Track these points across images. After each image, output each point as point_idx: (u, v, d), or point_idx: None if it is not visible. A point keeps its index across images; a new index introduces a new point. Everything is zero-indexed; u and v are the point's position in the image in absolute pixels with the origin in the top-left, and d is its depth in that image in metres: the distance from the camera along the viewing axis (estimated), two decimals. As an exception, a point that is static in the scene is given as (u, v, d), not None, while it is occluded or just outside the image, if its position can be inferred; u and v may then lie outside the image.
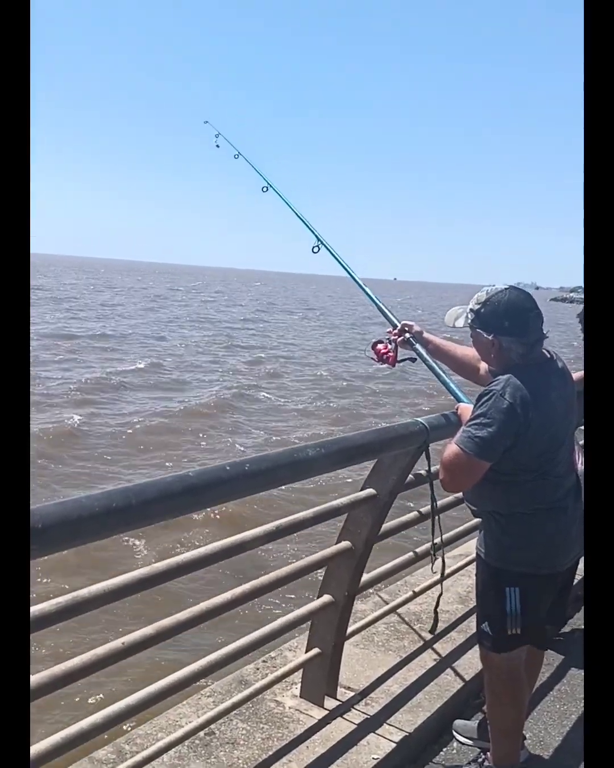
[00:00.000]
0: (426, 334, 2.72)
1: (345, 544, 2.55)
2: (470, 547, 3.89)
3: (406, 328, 2.72)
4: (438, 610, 2.83)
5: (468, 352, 2.60)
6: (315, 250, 3.26)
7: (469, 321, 2.26)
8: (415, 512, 2.93)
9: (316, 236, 3.30)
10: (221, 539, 2.00)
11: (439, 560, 2.65)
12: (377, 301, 2.94)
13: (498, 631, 2.27)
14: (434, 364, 2.61)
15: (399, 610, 3.47)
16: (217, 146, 4.33)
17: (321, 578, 2.71)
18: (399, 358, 2.75)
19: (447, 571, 3.09)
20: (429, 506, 2.72)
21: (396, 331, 2.74)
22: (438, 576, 3.25)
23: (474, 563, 3.64)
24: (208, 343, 26.84)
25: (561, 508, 2.19)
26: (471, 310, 2.24)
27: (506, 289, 2.20)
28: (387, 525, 2.68)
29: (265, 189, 3.79)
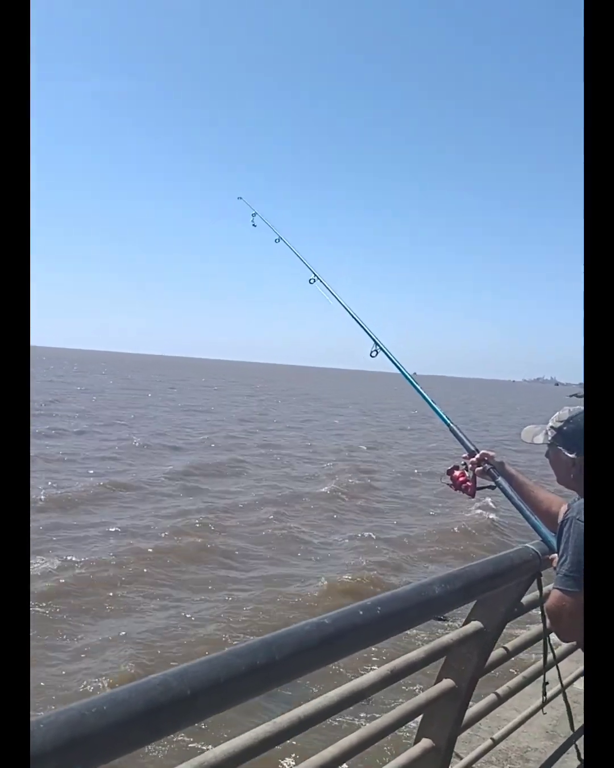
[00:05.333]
0: (507, 467, 2.56)
1: (447, 682, 2.34)
2: (566, 668, 3.63)
3: (486, 459, 2.56)
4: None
5: (550, 497, 2.47)
6: (374, 354, 3.11)
7: (549, 438, 2.21)
8: (520, 638, 2.72)
9: (374, 339, 3.13)
10: (335, 687, 1.82)
11: (549, 695, 2.45)
12: (451, 424, 2.78)
13: None
14: (522, 504, 2.40)
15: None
16: (254, 225, 4.10)
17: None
18: (478, 486, 2.60)
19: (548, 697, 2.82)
20: (532, 628, 2.54)
21: (474, 458, 2.59)
22: (533, 706, 3.01)
23: (571, 688, 3.36)
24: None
25: None
26: (551, 427, 2.21)
27: None
28: (492, 655, 2.48)
29: (311, 281, 3.55)
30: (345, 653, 1.52)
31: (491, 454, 2.58)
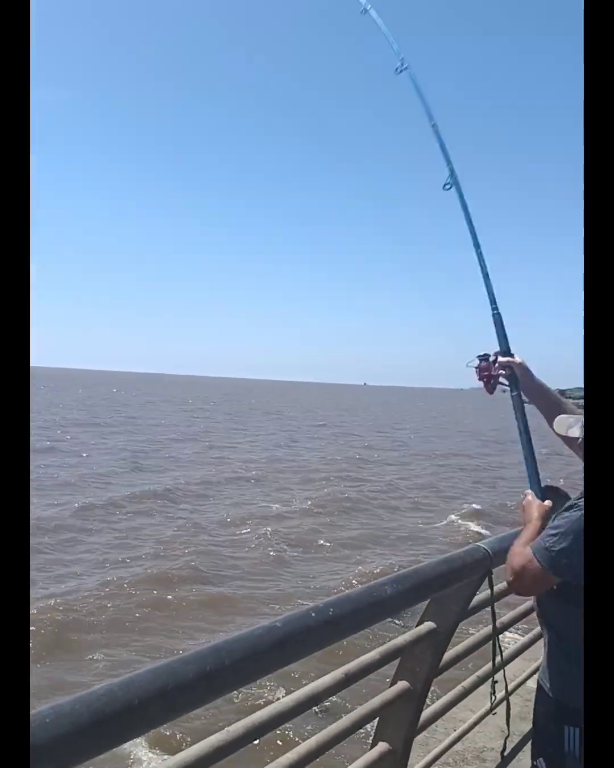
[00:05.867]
0: (535, 380, 2.44)
1: (402, 684, 2.34)
2: (520, 667, 3.67)
3: (509, 365, 2.44)
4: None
5: (569, 408, 2.35)
6: (447, 187, 2.62)
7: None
8: (473, 637, 2.74)
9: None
10: (292, 692, 1.81)
11: (500, 696, 2.47)
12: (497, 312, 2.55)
13: None
14: (526, 444, 2.31)
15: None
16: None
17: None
18: (500, 384, 2.47)
19: (500, 695, 2.85)
20: (483, 628, 2.56)
21: (502, 359, 2.46)
22: (487, 706, 3.03)
23: (525, 686, 3.40)
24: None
25: None
26: None
27: None
28: (446, 655, 2.49)
29: (398, 70, 2.80)
30: (298, 657, 1.51)
31: (518, 360, 2.46)
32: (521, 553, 1.97)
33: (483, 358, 2.52)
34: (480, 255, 2.59)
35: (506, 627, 2.99)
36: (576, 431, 2.06)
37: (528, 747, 3.45)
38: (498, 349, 2.49)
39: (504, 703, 2.76)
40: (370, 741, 2.45)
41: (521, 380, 2.44)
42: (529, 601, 3.31)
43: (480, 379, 2.51)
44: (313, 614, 1.55)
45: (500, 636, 2.85)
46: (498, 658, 2.46)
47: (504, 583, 2.79)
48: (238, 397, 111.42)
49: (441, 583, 2.10)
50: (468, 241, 2.60)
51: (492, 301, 2.55)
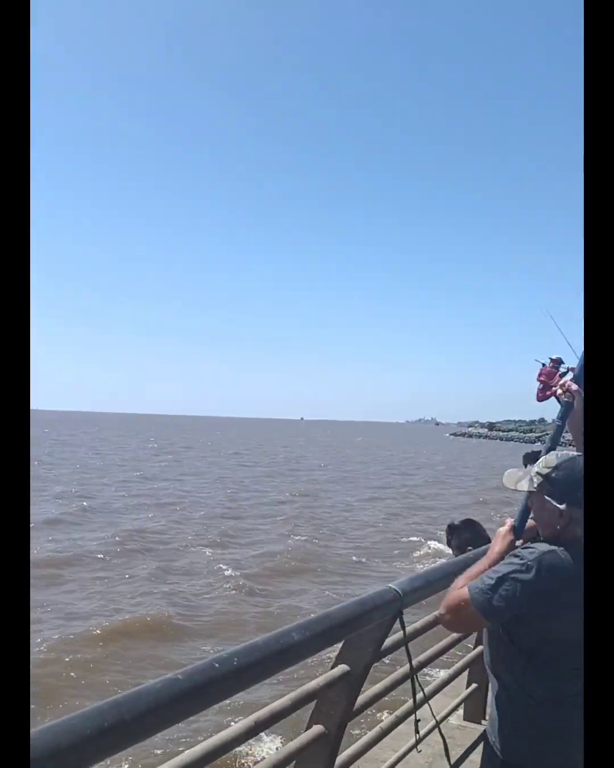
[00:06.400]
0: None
1: (317, 728, 2.35)
2: (442, 703, 3.70)
3: (568, 390, 2.47)
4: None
5: None
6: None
7: (535, 485, 1.99)
8: (390, 677, 2.78)
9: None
10: (198, 743, 1.80)
11: (422, 733, 2.51)
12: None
13: None
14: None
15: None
16: None
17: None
18: (546, 398, 2.48)
19: (422, 734, 2.85)
20: (401, 667, 2.59)
21: (565, 383, 2.49)
22: (408, 744, 3.06)
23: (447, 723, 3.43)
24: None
25: (572, 703, 1.83)
26: (538, 473, 2.00)
27: (579, 455, 1.96)
28: (360, 699, 2.51)
29: None
30: (201, 708, 1.51)
31: (574, 388, 2.47)
32: (460, 589, 1.95)
33: (556, 363, 2.36)
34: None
35: (423, 665, 3.04)
36: (525, 484, 2.03)
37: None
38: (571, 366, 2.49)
39: (430, 738, 2.78)
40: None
41: (573, 413, 2.41)
42: (446, 640, 3.38)
43: (538, 379, 2.40)
44: (217, 665, 1.55)
45: (419, 673, 2.89)
46: (420, 695, 2.47)
47: (419, 623, 2.86)
48: (170, 435, 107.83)
49: (353, 626, 2.13)
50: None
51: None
